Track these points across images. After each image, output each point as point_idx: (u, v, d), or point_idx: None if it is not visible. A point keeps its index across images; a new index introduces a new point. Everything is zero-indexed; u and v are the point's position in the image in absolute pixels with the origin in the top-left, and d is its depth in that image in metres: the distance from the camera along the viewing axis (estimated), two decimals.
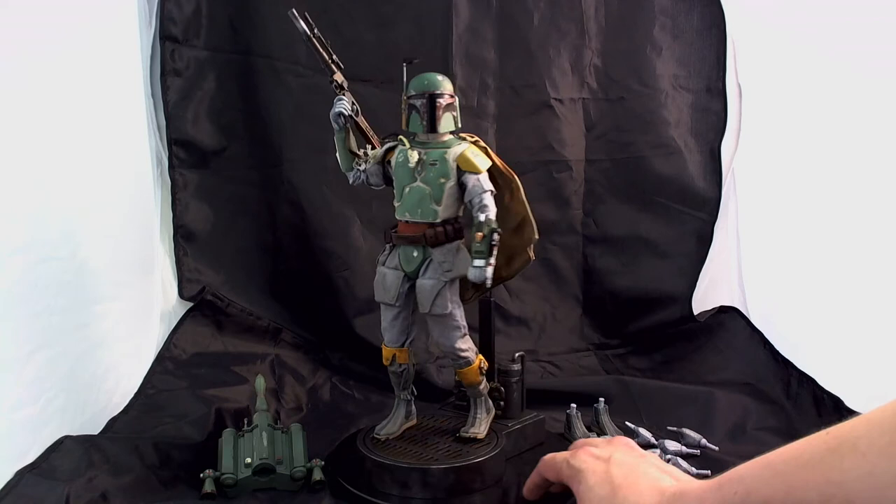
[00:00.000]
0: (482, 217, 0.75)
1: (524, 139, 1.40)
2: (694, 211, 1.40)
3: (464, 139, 0.82)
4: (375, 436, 0.84)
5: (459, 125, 0.83)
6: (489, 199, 0.77)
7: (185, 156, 1.22)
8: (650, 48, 1.39)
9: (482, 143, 0.83)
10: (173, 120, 1.20)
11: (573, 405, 1.01)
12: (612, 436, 0.97)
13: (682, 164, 1.40)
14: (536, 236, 0.84)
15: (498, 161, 0.84)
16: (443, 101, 0.80)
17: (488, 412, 0.87)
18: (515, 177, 0.84)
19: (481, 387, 0.85)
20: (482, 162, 0.79)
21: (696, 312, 1.37)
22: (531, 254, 0.86)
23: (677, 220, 1.41)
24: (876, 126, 1.07)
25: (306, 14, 0.83)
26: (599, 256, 1.44)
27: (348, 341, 1.26)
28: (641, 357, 1.36)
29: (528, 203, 0.84)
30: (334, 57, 0.87)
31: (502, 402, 0.91)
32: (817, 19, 1.19)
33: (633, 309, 1.41)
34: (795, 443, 0.39)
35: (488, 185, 0.78)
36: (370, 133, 0.89)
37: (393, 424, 0.85)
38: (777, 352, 1.22)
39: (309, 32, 0.83)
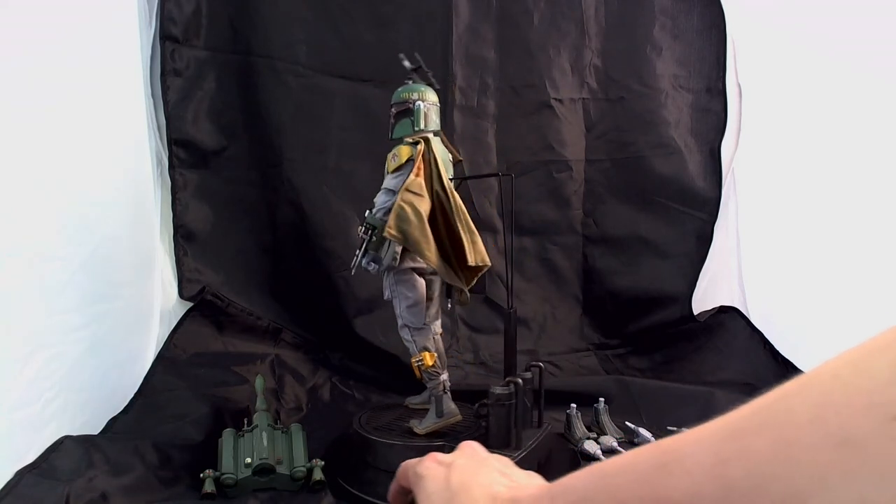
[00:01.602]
0: (366, 213, 0.84)
1: (524, 139, 1.40)
2: (694, 211, 1.40)
3: (407, 143, 0.85)
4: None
5: (420, 127, 0.85)
6: (378, 196, 0.84)
7: (185, 156, 1.22)
8: (650, 48, 1.39)
9: (426, 150, 0.83)
10: (173, 120, 1.20)
11: (573, 405, 1.01)
12: (612, 435, 0.97)
13: (682, 164, 1.40)
14: (473, 262, 0.79)
15: (421, 175, 0.81)
16: (394, 111, 0.87)
17: (441, 415, 0.85)
18: (450, 199, 0.80)
19: (430, 385, 0.86)
20: (395, 163, 0.83)
21: (696, 312, 1.37)
22: (462, 285, 0.82)
23: (677, 220, 1.41)
24: (875, 126, 1.07)
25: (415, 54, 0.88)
26: (599, 256, 1.44)
27: (348, 341, 1.26)
28: (641, 357, 1.36)
29: (467, 231, 0.80)
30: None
31: (484, 424, 0.84)
32: (817, 19, 1.19)
33: (633, 309, 1.41)
34: (629, 453, 0.37)
35: (388, 184, 0.83)
36: (447, 144, 0.91)
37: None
38: (777, 352, 1.22)
39: (413, 67, 0.88)
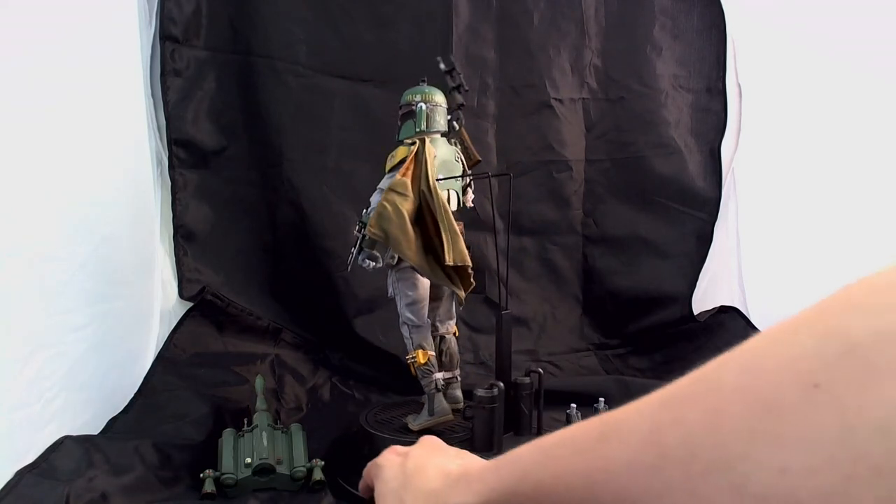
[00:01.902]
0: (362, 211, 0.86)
1: (524, 139, 1.40)
2: (694, 211, 1.40)
3: (405, 143, 0.86)
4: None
5: (421, 128, 0.87)
6: (373, 196, 0.85)
7: (185, 156, 1.22)
8: (650, 48, 1.39)
9: (420, 150, 0.84)
10: (173, 120, 1.19)
11: (573, 405, 1.00)
12: None
13: (682, 164, 1.40)
14: (450, 261, 0.79)
15: (408, 175, 0.82)
16: (400, 112, 0.89)
17: (433, 413, 0.85)
18: (434, 199, 0.81)
19: (423, 383, 0.86)
20: (391, 163, 0.86)
21: (696, 312, 1.37)
22: (459, 292, 0.83)
23: (677, 220, 1.41)
24: (875, 126, 1.07)
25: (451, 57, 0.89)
26: (599, 256, 1.44)
27: (348, 341, 1.26)
28: (641, 357, 1.36)
29: (448, 230, 0.80)
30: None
31: (470, 426, 0.83)
32: (817, 19, 1.19)
33: (633, 309, 1.41)
34: (573, 426, 0.39)
35: (382, 184, 0.85)
36: (468, 145, 0.91)
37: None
38: None
39: (447, 70, 0.89)
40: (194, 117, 1.22)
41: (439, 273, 0.82)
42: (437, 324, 0.91)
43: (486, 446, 0.78)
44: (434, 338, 0.90)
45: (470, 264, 0.80)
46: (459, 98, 0.90)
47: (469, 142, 0.89)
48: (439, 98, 0.88)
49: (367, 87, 1.30)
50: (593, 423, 0.37)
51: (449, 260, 0.79)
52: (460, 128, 0.89)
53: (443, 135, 0.89)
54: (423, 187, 0.81)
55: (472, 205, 0.92)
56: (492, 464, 0.45)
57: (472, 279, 0.83)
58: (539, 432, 0.84)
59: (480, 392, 0.79)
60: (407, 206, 0.80)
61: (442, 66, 0.87)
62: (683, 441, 0.31)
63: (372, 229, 0.80)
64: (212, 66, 1.23)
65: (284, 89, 1.26)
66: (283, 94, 1.26)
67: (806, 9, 1.21)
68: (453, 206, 0.87)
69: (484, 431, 0.79)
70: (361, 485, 0.62)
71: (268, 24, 1.24)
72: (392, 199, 0.80)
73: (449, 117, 0.88)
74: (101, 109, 0.92)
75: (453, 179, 0.87)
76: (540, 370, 0.86)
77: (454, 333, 0.92)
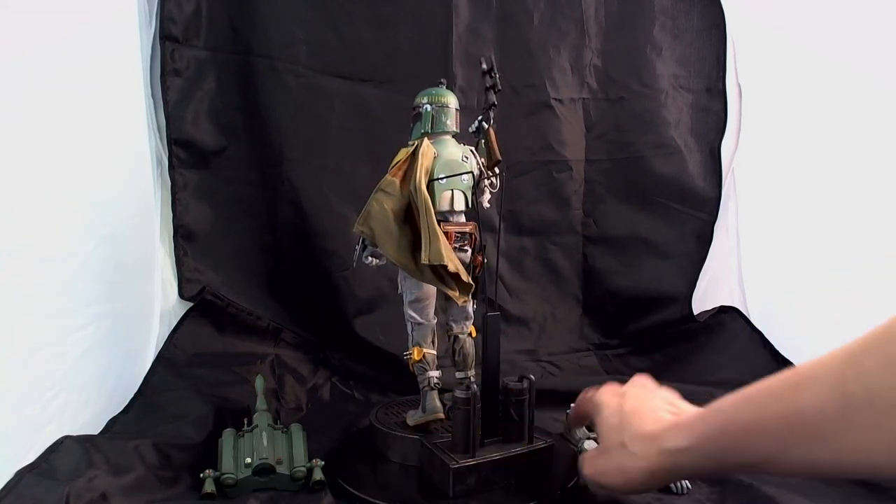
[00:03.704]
0: None
1: (524, 139, 1.40)
2: (694, 211, 1.40)
3: (408, 144, 0.88)
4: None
5: (426, 130, 0.89)
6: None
7: (185, 156, 1.22)
8: (650, 48, 1.39)
9: (415, 150, 0.86)
10: (173, 120, 1.19)
11: (573, 405, 1.01)
12: None
13: (682, 164, 1.40)
14: (425, 259, 0.79)
15: (397, 175, 0.84)
16: (412, 114, 0.91)
17: (424, 411, 0.86)
18: (418, 198, 0.82)
19: (419, 380, 0.87)
20: (392, 164, 0.87)
21: (696, 312, 1.37)
22: (449, 292, 0.83)
23: (677, 220, 1.41)
24: (876, 126, 1.07)
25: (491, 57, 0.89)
26: (599, 256, 1.44)
27: (348, 341, 1.26)
28: (641, 357, 1.36)
29: (427, 230, 0.80)
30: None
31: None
32: (817, 19, 1.19)
33: (633, 309, 1.41)
34: (767, 378, 0.47)
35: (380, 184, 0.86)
36: (493, 145, 0.90)
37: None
38: (777, 352, 1.22)
39: (485, 69, 0.89)
40: (194, 117, 1.22)
41: (427, 272, 0.83)
42: (452, 323, 0.92)
43: (463, 448, 0.77)
44: (449, 337, 0.91)
45: (444, 263, 0.80)
46: (492, 98, 0.90)
47: (494, 142, 0.89)
48: (446, 99, 0.89)
49: (367, 87, 1.30)
50: (787, 374, 0.46)
51: (424, 258, 0.80)
52: (489, 127, 0.89)
53: (455, 135, 0.90)
54: (411, 187, 0.82)
55: (488, 205, 0.92)
56: (699, 413, 0.56)
57: (469, 280, 0.83)
58: (531, 441, 0.82)
59: (458, 393, 0.79)
60: (391, 205, 0.83)
61: (483, 65, 0.88)
62: (864, 387, 0.38)
63: (359, 226, 0.84)
64: (212, 66, 1.23)
65: (284, 89, 1.26)
66: (283, 94, 1.26)
67: (806, 9, 1.21)
68: (460, 206, 0.87)
69: (458, 433, 0.78)
70: (573, 413, 0.77)
71: (268, 24, 1.24)
72: (379, 197, 0.84)
73: (480, 117, 0.89)
74: (101, 109, 0.92)
75: (459, 179, 0.87)
76: (531, 376, 0.84)
77: (470, 334, 0.92)
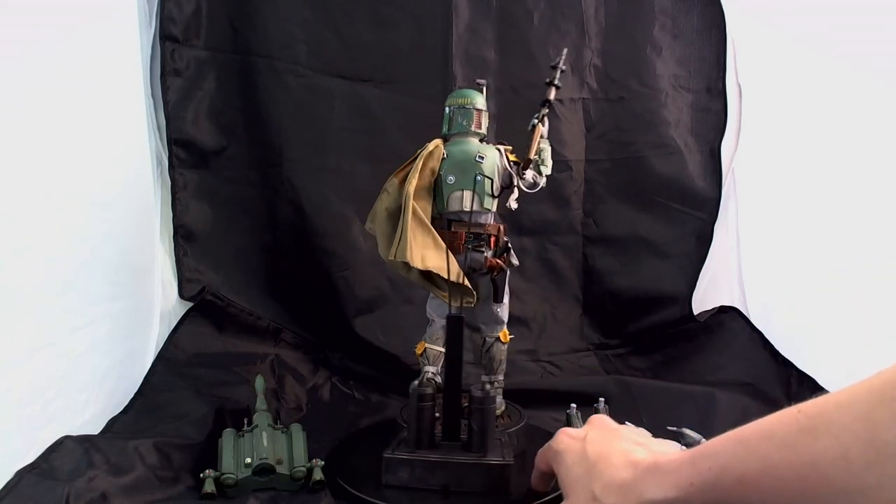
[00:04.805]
0: None
1: (524, 139, 1.40)
2: (694, 211, 1.40)
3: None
4: None
5: (444, 131, 0.91)
6: None
7: (185, 156, 1.22)
8: (650, 48, 1.39)
9: (420, 152, 0.89)
10: (173, 120, 1.19)
11: (573, 405, 1.00)
12: None
13: (682, 164, 1.40)
14: (391, 256, 0.82)
15: (398, 176, 0.88)
16: None
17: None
18: (401, 196, 0.85)
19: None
20: None
21: (696, 312, 1.37)
22: (434, 291, 0.86)
23: (677, 220, 1.41)
24: (876, 126, 1.07)
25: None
26: (599, 256, 1.44)
27: (348, 341, 1.26)
28: (641, 357, 1.36)
29: (401, 229, 0.83)
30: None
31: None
32: (817, 19, 1.19)
33: (633, 309, 1.41)
34: (767, 419, 0.40)
35: None
36: (530, 143, 0.92)
37: None
38: (777, 352, 1.22)
39: (552, 65, 0.93)
40: (194, 117, 1.22)
41: (414, 272, 0.85)
42: (482, 326, 0.93)
43: (415, 442, 0.78)
44: (480, 341, 0.94)
45: (407, 260, 0.81)
46: (548, 93, 0.92)
47: (534, 140, 0.90)
48: (464, 100, 0.90)
49: (367, 87, 1.30)
50: (790, 415, 0.39)
51: (390, 255, 0.83)
52: (537, 123, 0.91)
53: (479, 135, 0.91)
54: (408, 188, 0.84)
55: (515, 205, 0.92)
56: (686, 456, 0.46)
57: (462, 282, 0.84)
58: (485, 453, 0.77)
59: (413, 386, 0.80)
60: (387, 204, 0.87)
61: (560, 59, 0.90)
62: None
63: (368, 224, 0.89)
64: (212, 66, 1.23)
65: (284, 89, 1.26)
66: (283, 94, 1.26)
67: (806, 9, 1.21)
68: (470, 206, 0.87)
69: (411, 426, 0.79)
70: (535, 475, 0.63)
71: (268, 24, 1.24)
72: (382, 197, 0.88)
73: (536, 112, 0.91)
74: (101, 109, 0.92)
75: (469, 179, 0.87)
76: (488, 385, 0.84)
77: (500, 338, 0.92)
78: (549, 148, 0.93)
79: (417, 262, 0.82)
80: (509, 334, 0.94)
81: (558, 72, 0.93)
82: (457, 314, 0.82)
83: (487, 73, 1.36)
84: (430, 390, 0.79)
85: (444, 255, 0.83)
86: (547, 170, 0.92)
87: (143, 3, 1.12)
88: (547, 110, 0.93)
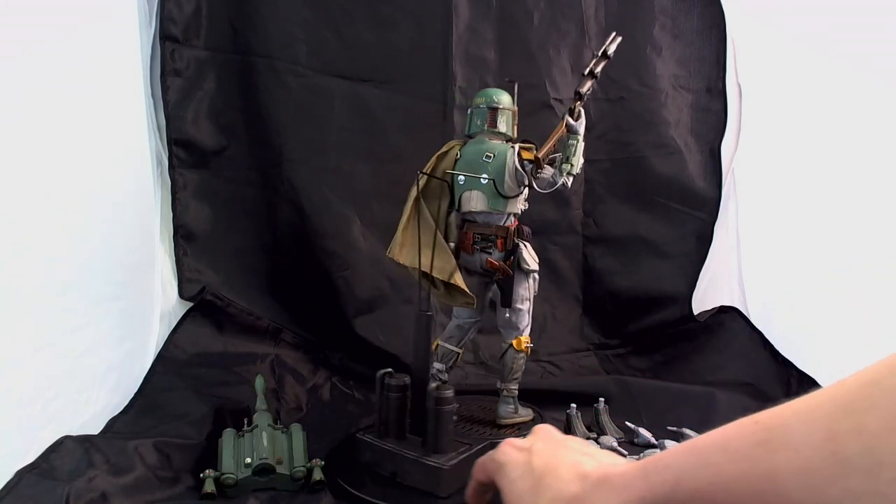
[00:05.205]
0: None
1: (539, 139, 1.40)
2: (694, 211, 1.40)
3: None
4: None
5: (466, 131, 0.93)
6: None
7: (185, 156, 1.22)
8: (650, 48, 1.39)
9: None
10: (173, 120, 1.20)
11: (573, 405, 1.01)
12: (612, 435, 0.97)
13: (682, 164, 1.40)
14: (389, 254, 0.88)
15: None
16: None
17: None
18: (410, 194, 0.90)
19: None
20: None
21: (696, 312, 1.37)
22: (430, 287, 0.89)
23: (677, 220, 1.41)
24: (875, 126, 1.07)
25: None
26: (599, 256, 1.44)
27: (348, 341, 1.26)
28: (641, 357, 1.36)
29: (401, 230, 0.88)
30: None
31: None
32: (817, 19, 1.19)
33: (633, 309, 1.41)
34: (721, 429, 0.38)
35: None
36: (549, 140, 0.90)
37: None
38: (777, 352, 1.22)
39: (595, 54, 0.90)
40: (194, 117, 1.22)
41: (414, 271, 0.88)
42: (501, 331, 0.93)
43: (379, 431, 0.82)
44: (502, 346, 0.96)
45: (396, 258, 0.86)
46: (584, 85, 0.88)
47: (552, 137, 0.89)
48: (479, 100, 0.90)
49: (367, 87, 1.30)
50: (746, 426, 0.37)
51: (388, 252, 0.87)
52: (564, 117, 0.88)
53: (498, 134, 0.91)
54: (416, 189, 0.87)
55: (522, 206, 0.92)
56: (637, 468, 0.43)
57: (457, 283, 0.85)
58: (427, 452, 0.78)
59: (389, 380, 0.81)
60: (408, 204, 0.89)
61: (609, 46, 0.89)
62: (866, 449, 0.30)
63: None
64: (212, 66, 1.23)
65: (284, 89, 1.26)
66: (283, 94, 1.26)
67: (806, 9, 1.21)
68: (476, 207, 0.87)
69: (376, 414, 0.83)
70: (471, 488, 0.59)
71: (268, 24, 1.24)
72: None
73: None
74: (101, 109, 0.92)
75: (478, 180, 0.87)
76: (440, 378, 0.85)
77: (516, 346, 0.92)
78: (581, 144, 0.88)
79: (396, 256, 0.87)
80: (527, 343, 0.93)
81: (595, 63, 0.88)
82: (424, 311, 0.82)
83: (487, 73, 1.36)
84: (395, 382, 0.81)
85: (430, 255, 0.84)
86: (572, 168, 0.87)
87: (143, 3, 1.12)
88: (580, 103, 0.88)
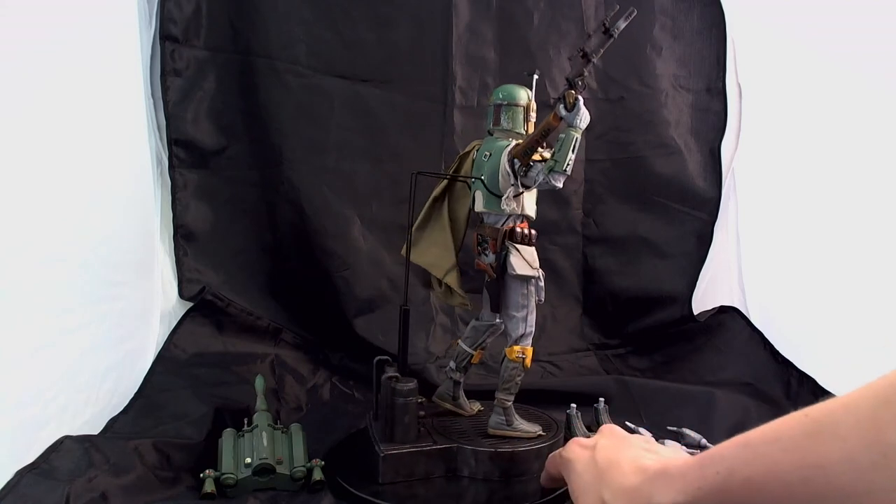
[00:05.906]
0: None
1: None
2: (694, 211, 1.40)
3: None
4: None
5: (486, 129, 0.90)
6: None
7: (185, 156, 1.22)
8: (650, 48, 1.39)
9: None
10: (173, 120, 1.19)
11: (573, 405, 1.01)
12: None
13: (682, 164, 1.40)
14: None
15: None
16: None
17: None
18: (432, 195, 0.93)
19: None
20: None
21: (696, 312, 1.37)
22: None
23: (677, 220, 1.41)
24: (875, 126, 1.07)
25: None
26: (599, 256, 1.44)
27: (348, 341, 1.26)
28: (641, 357, 1.36)
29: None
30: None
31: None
32: (817, 19, 1.19)
33: (633, 309, 1.41)
34: (773, 423, 0.41)
35: None
36: (536, 134, 0.82)
37: None
38: (777, 352, 1.22)
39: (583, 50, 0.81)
40: (194, 117, 1.22)
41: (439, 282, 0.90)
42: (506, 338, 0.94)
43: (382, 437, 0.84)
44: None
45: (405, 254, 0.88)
46: (573, 83, 0.78)
47: (539, 129, 0.80)
48: (490, 98, 0.89)
49: (367, 87, 1.30)
50: (796, 419, 0.39)
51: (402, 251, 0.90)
52: (551, 115, 0.79)
53: (505, 131, 0.89)
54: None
55: (504, 207, 0.90)
56: (694, 461, 0.46)
57: (452, 283, 0.87)
58: (392, 438, 0.82)
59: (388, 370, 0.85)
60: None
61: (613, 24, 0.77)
62: None
63: None
64: (212, 66, 1.23)
65: (284, 89, 1.26)
66: (283, 94, 1.26)
67: (806, 9, 1.21)
68: (479, 207, 0.86)
69: (381, 416, 0.85)
70: (544, 475, 0.67)
71: (268, 24, 1.24)
72: None
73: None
74: (101, 109, 0.92)
75: (478, 179, 0.86)
76: (394, 374, 0.84)
77: (508, 354, 0.90)
78: (575, 139, 0.78)
79: (410, 255, 0.89)
80: (520, 354, 0.88)
81: (580, 66, 0.77)
82: (405, 307, 0.86)
83: (487, 73, 1.36)
84: (385, 374, 0.85)
85: (438, 254, 0.87)
86: (556, 165, 0.78)
87: (143, 3, 1.12)
88: (573, 91, 0.77)
